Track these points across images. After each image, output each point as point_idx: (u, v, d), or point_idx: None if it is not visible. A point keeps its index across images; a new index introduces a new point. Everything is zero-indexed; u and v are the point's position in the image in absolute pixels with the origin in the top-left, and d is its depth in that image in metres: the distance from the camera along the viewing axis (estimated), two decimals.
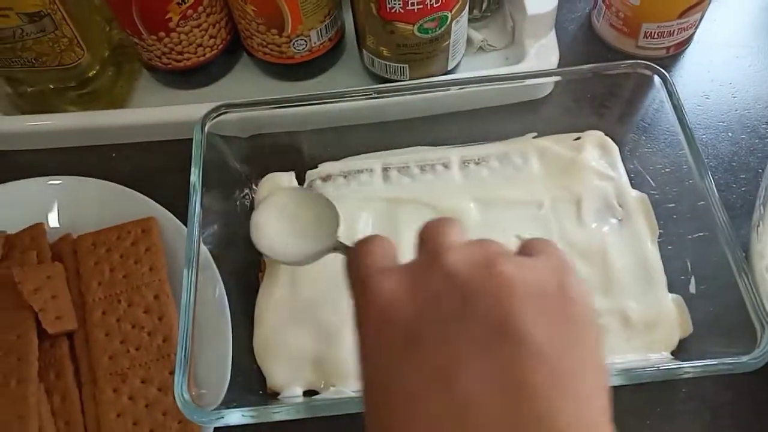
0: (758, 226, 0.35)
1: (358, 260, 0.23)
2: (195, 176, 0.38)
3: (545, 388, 0.17)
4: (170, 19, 0.43)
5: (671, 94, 0.39)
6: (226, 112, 0.40)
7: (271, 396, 0.37)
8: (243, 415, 0.31)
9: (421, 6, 0.41)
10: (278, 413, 0.32)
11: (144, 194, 0.43)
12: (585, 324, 0.19)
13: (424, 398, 0.17)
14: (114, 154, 0.48)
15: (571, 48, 0.51)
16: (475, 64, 0.49)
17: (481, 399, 0.17)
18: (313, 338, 0.37)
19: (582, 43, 0.51)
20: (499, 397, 0.17)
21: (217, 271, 0.38)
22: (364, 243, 0.25)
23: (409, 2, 0.40)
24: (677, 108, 0.39)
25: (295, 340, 0.37)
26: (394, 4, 0.41)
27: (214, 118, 0.40)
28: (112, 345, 0.37)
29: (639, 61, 0.41)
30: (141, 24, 0.44)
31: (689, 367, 0.32)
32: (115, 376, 0.37)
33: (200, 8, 0.44)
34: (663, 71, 0.40)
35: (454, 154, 0.44)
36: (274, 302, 0.39)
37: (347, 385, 0.36)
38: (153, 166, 0.47)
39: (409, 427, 0.17)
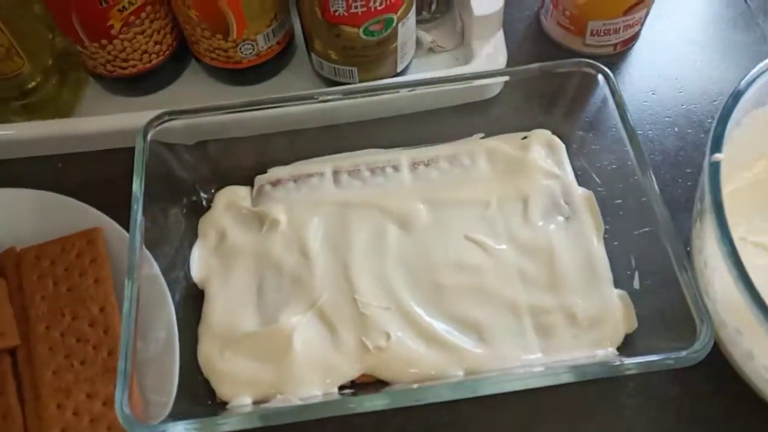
0: (696, 221, 0.36)
1: None
2: (137, 185, 0.37)
3: None
4: (112, 26, 0.43)
5: (614, 92, 0.40)
6: (169, 120, 0.40)
7: (220, 406, 0.37)
8: (185, 428, 0.31)
9: (364, 9, 0.41)
10: (224, 425, 0.32)
11: (92, 205, 0.42)
12: None
13: None
14: (60, 165, 0.47)
15: (520, 47, 0.51)
16: (425, 65, 0.49)
17: None
18: (260, 347, 0.37)
19: (531, 42, 0.52)
20: None
21: (163, 281, 0.38)
22: None
23: (353, 5, 0.40)
24: (620, 106, 0.39)
25: (242, 350, 0.37)
26: (338, 7, 0.41)
27: (157, 125, 0.40)
28: (56, 360, 0.37)
29: (583, 59, 0.41)
30: (82, 31, 0.43)
31: (631, 363, 0.32)
32: (59, 391, 0.36)
33: (143, 14, 0.43)
34: (606, 69, 0.40)
35: (404, 156, 0.44)
36: (219, 312, 0.38)
37: (295, 393, 0.36)
38: (101, 176, 0.46)
39: None
